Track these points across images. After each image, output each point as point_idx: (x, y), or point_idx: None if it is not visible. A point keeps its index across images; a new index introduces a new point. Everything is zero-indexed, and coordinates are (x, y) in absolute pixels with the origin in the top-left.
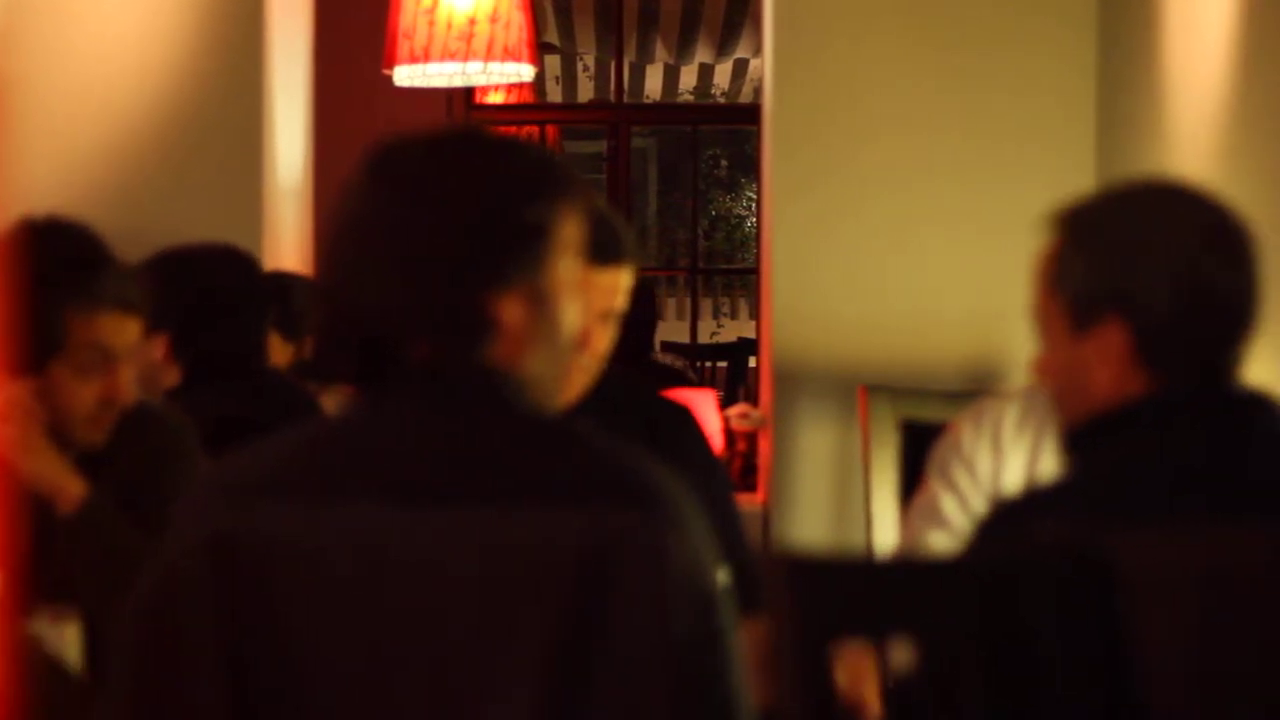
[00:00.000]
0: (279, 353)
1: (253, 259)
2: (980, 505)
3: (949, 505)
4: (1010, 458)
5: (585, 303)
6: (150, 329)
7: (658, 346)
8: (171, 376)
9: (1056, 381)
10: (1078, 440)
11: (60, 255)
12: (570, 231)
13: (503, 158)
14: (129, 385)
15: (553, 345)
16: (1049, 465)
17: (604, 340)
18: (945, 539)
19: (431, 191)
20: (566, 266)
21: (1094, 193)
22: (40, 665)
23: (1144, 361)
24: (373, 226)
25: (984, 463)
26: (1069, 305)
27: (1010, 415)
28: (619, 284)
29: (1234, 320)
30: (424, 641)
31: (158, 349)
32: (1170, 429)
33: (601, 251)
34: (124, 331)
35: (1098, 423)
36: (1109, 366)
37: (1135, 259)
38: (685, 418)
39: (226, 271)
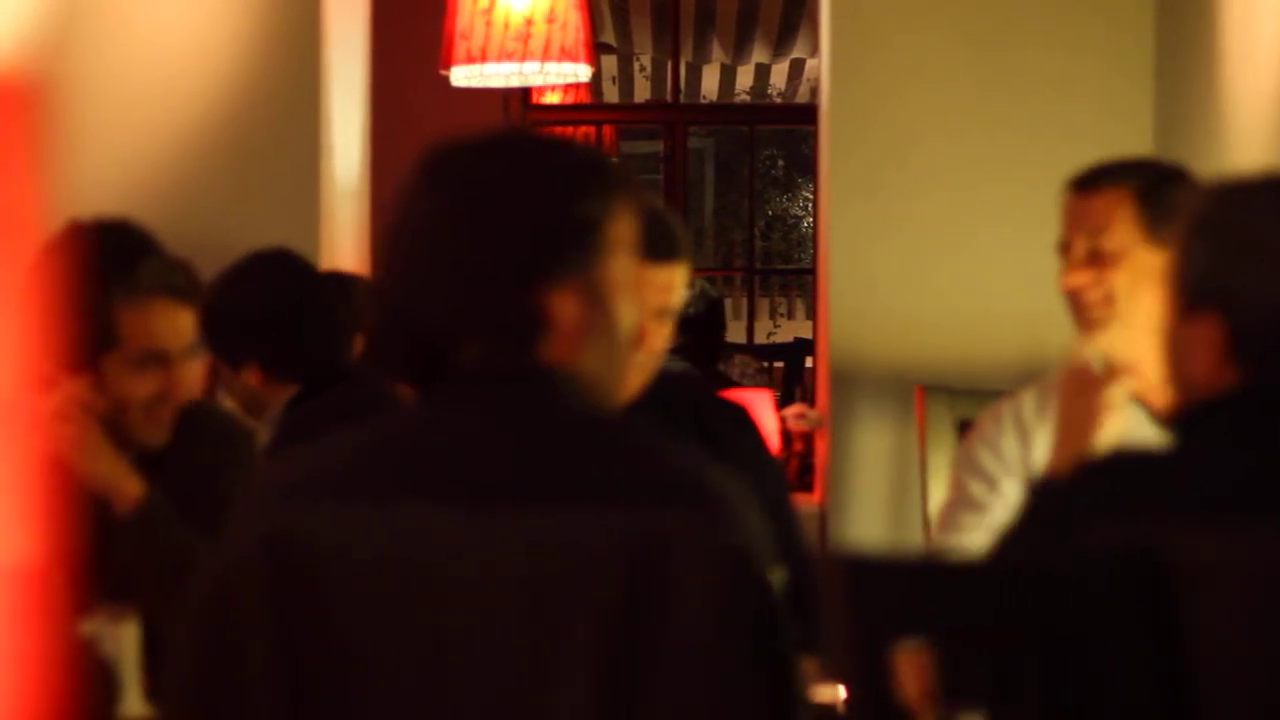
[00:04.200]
0: None
1: (295, 255)
2: (1009, 485)
3: (977, 488)
4: (1035, 438)
5: (641, 300)
6: (235, 363)
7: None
8: (280, 395)
9: (1165, 360)
10: (1175, 428)
11: (104, 250)
12: (624, 229)
13: (553, 155)
14: (187, 381)
15: (609, 343)
16: None
17: (660, 338)
18: (975, 519)
19: (483, 192)
20: (621, 265)
21: (1229, 181)
22: (95, 665)
23: (1237, 358)
24: (426, 228)
25: (1009, 445)
26: (1181, 290)
27: (1029, 400)
28: (674, 281)
29: None
30: (478, 641)
31: (252, 378)
32: (1245, 425)
33: (656, 248)
34: (176, 321)
35: (1190, 412)
36: (1205, 356)
37: (1240, 258)
38: (741, 417)
39: (276, 279)
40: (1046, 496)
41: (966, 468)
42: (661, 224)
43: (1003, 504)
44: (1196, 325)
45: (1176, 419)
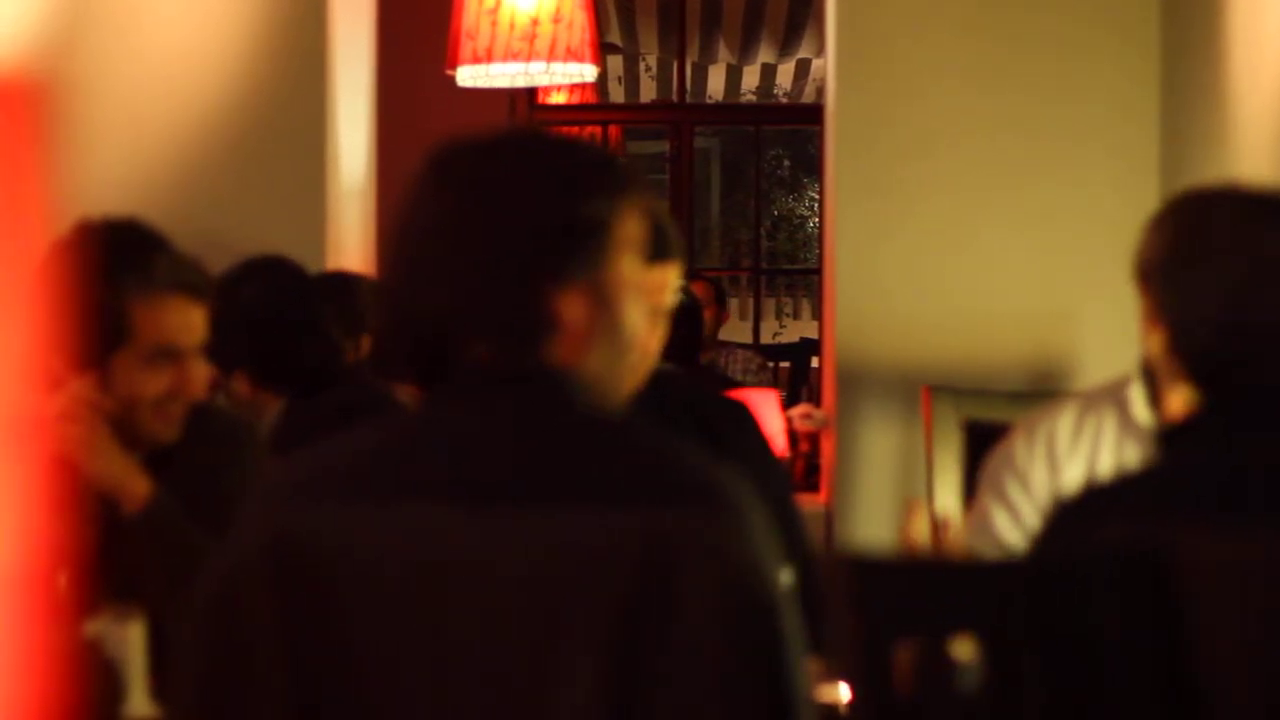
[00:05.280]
0: None
1: (289, 263)
2: (1035, 521)
3: (1001, 520)
4: (1067, 470)
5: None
6: (226, 369)
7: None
8: (271, 405)
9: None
10: (1166, 438)
11: (116, 248)
12: (630, 230)
13: (560, 156)
14: (198, 378)
15: (614, 343)
16: (1107, 470)
17: (654, 339)
18: (998, 555)
19: (489, 191)
20: (628, 265)
21: (1200, 192)
22: (100, 665)
23: (1183, 373)
24: (431, 228)
25: (1039, 477)
26: (1149, 301)
27: (1064, 426)
28: (667, 281)
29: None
30: (482, 641)
31: (242, 386)
32: (1226, 435)
33: (650, 249)
34: (188, 317)
35: (1173, 426)
36: (1165, 364)
37: (1181, 279)
38: (742, 416)
39: (265, 287)
40: (1057, 504)
41: (992, 493)
42: (655, 224)
43: (1027, 540)
44: (1156, 335)
45: (1161, 431)
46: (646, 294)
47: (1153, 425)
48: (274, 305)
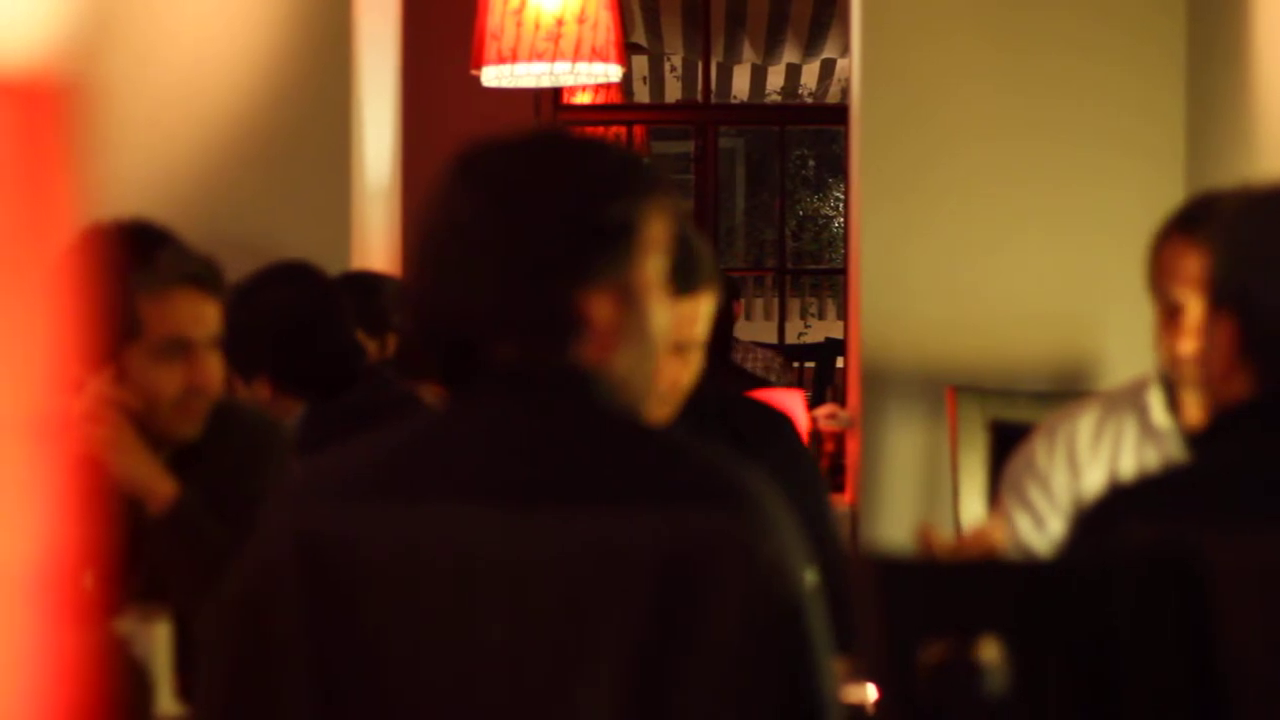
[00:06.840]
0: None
1: (313, 269)
2: (1057, 525)
3: (1024, 524)
4: (1088, 474)
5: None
6: (247, 375)
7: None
8: (291, 409)
9: (1196, 360)
10: (1197, 441)
11: (121, 246)
12: (657, 230)
13: (587, 157)
14: (214, 372)
15: (642, 344)
16: (1128, 474)
17: (686, 373)
18: (1021, 558)
19: (517, 193)
20: (654, 265)
21: (1257, 188)
22: (127, 665)
23: (1249, 359)
24: (459, 228)
25: (1060, 480)
26: (1207, 292)
27: (1084, 430)
28: (699, 313)
29: None
30: (508, 640)
31: (262, 391)
32: (1268, 431)
33: (680, 278)
34: (197, 309)
35: (1214, 423)
36: (1222, 356)
37: (1253, 259)
38: (776, 418)
39: (288, 294)
40: (1085, 504)
41: (1014, 497)
42: (686, 249)
43: (1049, 544)
44: (1217, 326)
45: (1201, 429)
46: (676, 327)
47: (1171, 429)
48: (293, 315)
